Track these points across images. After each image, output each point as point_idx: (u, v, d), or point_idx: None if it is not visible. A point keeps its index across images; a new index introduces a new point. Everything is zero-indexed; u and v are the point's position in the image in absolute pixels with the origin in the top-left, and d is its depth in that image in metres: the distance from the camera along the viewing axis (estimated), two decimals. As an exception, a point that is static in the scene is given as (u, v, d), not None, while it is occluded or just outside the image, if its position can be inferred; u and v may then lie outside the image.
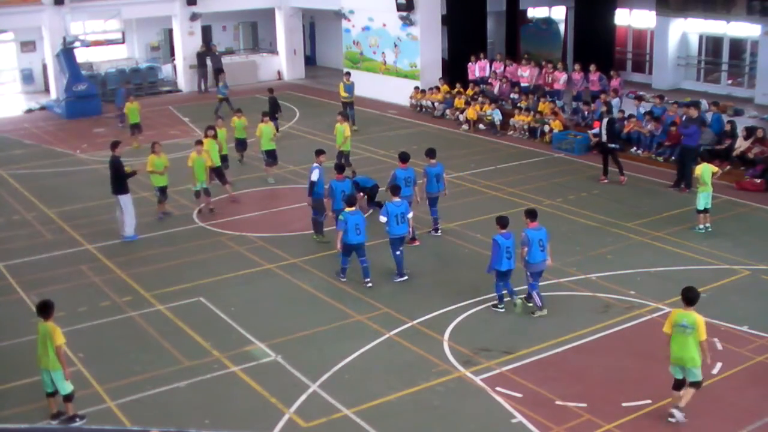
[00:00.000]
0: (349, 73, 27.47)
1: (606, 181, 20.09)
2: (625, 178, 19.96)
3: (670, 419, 10.46)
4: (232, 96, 32.54)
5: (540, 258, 13.24)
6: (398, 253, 14.83)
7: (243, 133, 22.24)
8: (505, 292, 13.60)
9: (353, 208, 14.42)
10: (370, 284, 14.55)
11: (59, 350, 10.42)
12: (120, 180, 17.05)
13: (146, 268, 15.86)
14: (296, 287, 14.81)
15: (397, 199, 14.81)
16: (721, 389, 11.24)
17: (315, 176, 16.38)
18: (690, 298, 10.37)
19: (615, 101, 24.26)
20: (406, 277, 14.90)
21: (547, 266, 13.51)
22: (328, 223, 16.62)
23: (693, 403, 10.86)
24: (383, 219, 14.65)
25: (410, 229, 15.16)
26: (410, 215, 14.97)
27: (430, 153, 16.84)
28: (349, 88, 26.36)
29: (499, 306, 13.61)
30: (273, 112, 23.97)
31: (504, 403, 11.00)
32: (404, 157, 16.54)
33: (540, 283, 13.59)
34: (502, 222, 13.47)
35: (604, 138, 20.14)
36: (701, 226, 16.68)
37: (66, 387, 10.62)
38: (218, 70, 33.63)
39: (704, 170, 16.60)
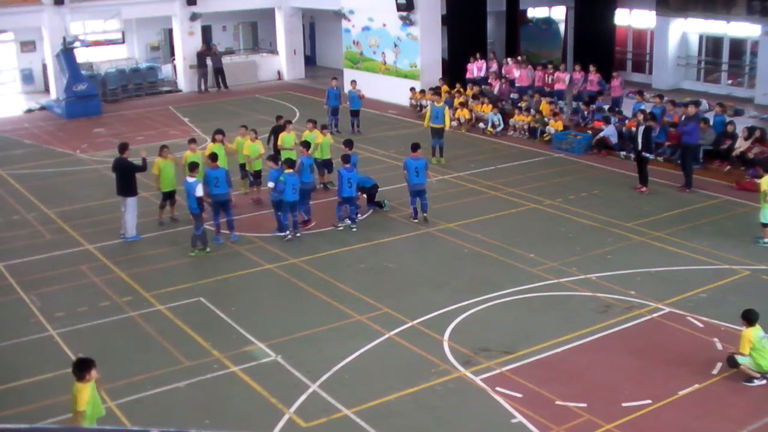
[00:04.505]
0: (438, 92, 23.25)
1: (645, 190, 19.24)
2: (647, 189, 19.20)
3: None
4: (231, 97, 32.68)
5: (414, 181, 17.11)
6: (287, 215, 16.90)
7: (328, 152, 19.74)
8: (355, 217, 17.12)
9: (292, 171, 16.59)
10: (298, 234, 16.93)
11: (77, 416, 9.21)
12: (131, 179, 16.92)
13: (146, 268, 15.86)
14: (296, 287, 14.81)
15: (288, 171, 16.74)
16: (721, 389, 11.24)
17: (199, 192, 15.99)
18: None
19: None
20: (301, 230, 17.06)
21: (424, 187, 17.16)
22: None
23: (692, 404, 10.88)
24: (271, 184, 16.76)
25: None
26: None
27: (348, 143, 18.30)
28: (439, 111, 21.81)
29: (339, 226, 17.19)
30: (276, 139, 20.29)
31: (504, 403, 10.99)
32: (348, 145, 18.40)
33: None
34: (345, 159, 17.17)
35: (640, 146, 19.12)
36: (766, 240, 16.04)
37: None
38: (218, 70, 33.68)
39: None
